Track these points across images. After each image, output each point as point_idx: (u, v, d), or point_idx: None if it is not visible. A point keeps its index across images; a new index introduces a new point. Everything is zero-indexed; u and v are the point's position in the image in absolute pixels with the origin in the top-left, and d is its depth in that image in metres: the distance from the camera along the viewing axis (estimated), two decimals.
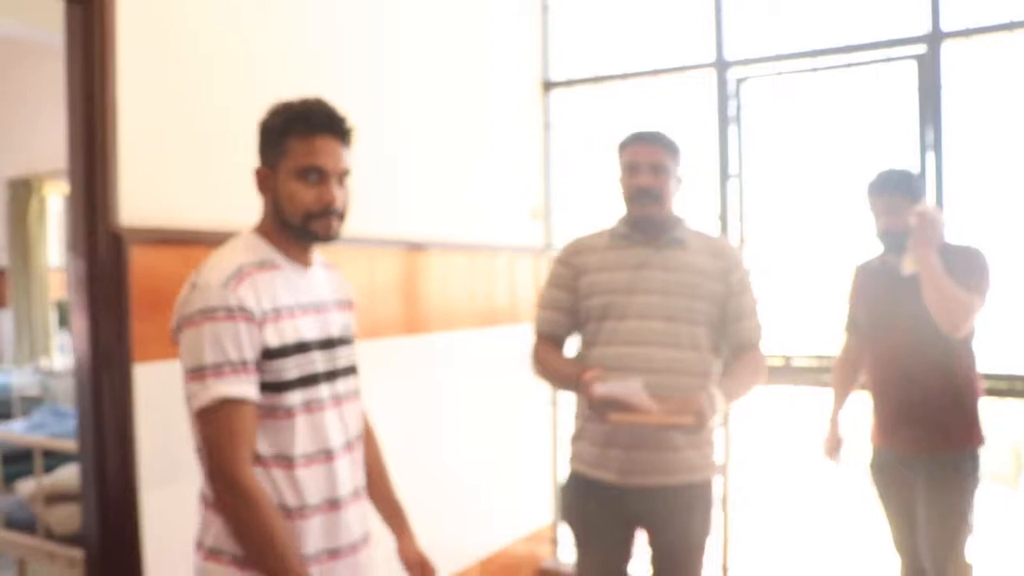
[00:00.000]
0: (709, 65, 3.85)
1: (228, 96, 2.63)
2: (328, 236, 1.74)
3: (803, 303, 3.79)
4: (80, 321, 2.37)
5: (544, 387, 4.14)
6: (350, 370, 1.85)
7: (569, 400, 2.55)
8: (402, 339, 3.30)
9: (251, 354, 1.62)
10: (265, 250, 1.73)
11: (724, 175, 3.80)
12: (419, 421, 3.38)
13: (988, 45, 3.33)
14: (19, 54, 7.23)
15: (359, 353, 1.92)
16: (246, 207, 2.35)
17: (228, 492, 1.61)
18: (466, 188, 3.72)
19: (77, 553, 2.93)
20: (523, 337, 4.00)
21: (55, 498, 3.08)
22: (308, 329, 1.73)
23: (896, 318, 2.83)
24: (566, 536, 3.53)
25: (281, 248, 1.75)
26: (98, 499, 2.36)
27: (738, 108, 3.81)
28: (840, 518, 4.52)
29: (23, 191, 7.09)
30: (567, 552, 4.20)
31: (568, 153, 4.28)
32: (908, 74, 3.46)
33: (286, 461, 1.68)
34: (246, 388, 1.61)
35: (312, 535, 1.71)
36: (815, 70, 3.65)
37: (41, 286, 7.16)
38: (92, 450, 2.37)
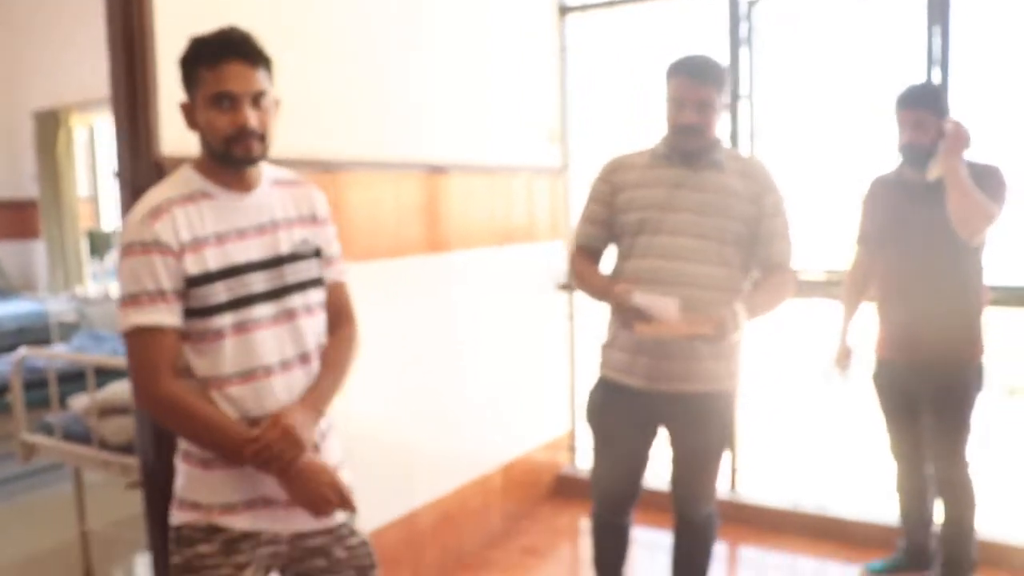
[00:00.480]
0: None
1: (264, 23, 2.73)
2: (249, 157, 1.79)
3: (811, 218, 3.89)
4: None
5: (562, 301, 4.34)
6: (307, 284, 1.91)
7: (599, 311, 2.68)
8: (425, 257, 3.43)
9: (169, 284, 1.72)
10: (197, 182, 1.81)
11: (735, 96, 3.89)
12: (442, 335, 3.54)
13: None
14: None
15: (342, 267, 2.02)
16: (289, 138, 2.48)
17: (154, 408, 1.77)
18: (485, 112, 3.81)
19: (130, 460, 3.16)
20: (541, 254, 4.19)
21: (108, 411, 3.30)
22: (243, 252, 1.81)
23: (909, 229, 2.94)
24: (586, 441, 3.72)
25: (214, 178, 1.82)
26: None
27: (749, 30, 3.89)
28: (844, 428, 4.68)
29: (51, 123, 7.18)
30: (585, 458, 4.44)
31: (584, 76, 4.36)
32: None
33: (218, 381, 1.80)
34: (161, 316, 1.72)
35: None
36: None
37: (72, 216, 7.31)
38: None
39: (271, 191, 1.90)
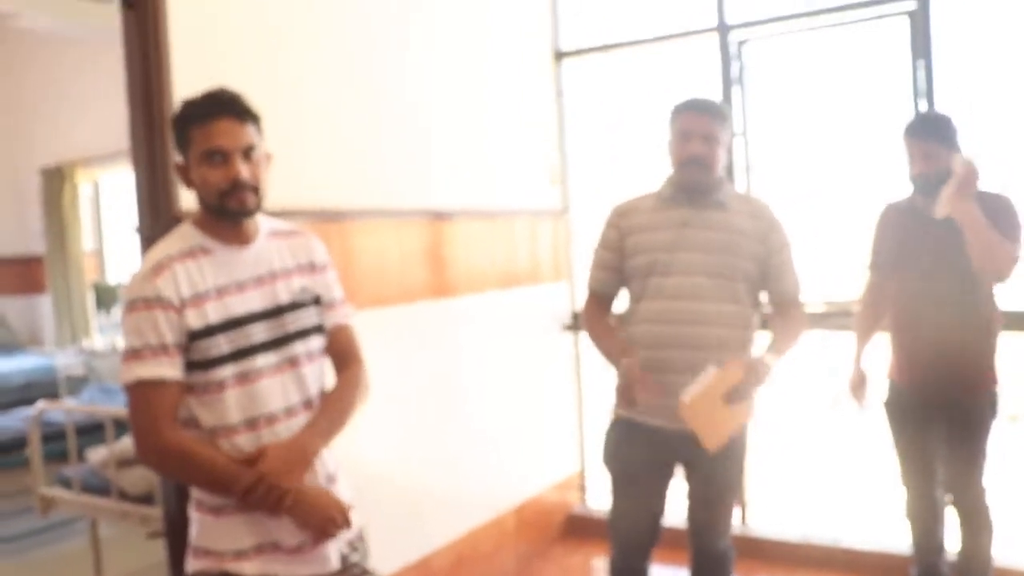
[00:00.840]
0: (712, 29, 4.02)
1: (273, 85, 2.84)
2: (244, 209, 1.85)
3: (807, 251, 3.97)
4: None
5: (567, 341, 4.40)
6: (309, 331, 1.95)
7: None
8: (431, 303, 3.48)
9: (171, 338, 1.77)
10: (196, 238, 1.87)
11: (731, 134, 3.98)
12: (450, 378, 3.59)
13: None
14: (49, 46, 7.40)
15: (347, 310, 2.08)
16: (298, 189, 2.55)
17: (155, 457, 1.81)
18: (485, 157, 3.89)
19: (150, 511, 3.21)
20: (545, 295, 4.25)
21: (126, 462, 3.34)
22: (243, 304, 1.86)
23: (921, 257, 2.93)
24: (601, 482, 3.76)
25: (212, 233, 1.88)
26: None
27: (740, 69, 3.99)
28: (852, 457, 4.70)
29: (56, 179, 7.29)
30: (595, 498, 4.47)
31: (582, 119, 4.46)
32: (901, 29, 3.64)
33: (225, 431, 1.85)
34: (163, 369, 1.77)
35: None
36: (812, 29, 3.82)
37: (78, 270, 7.38)
38: None
39: (269, 243, 1.96)
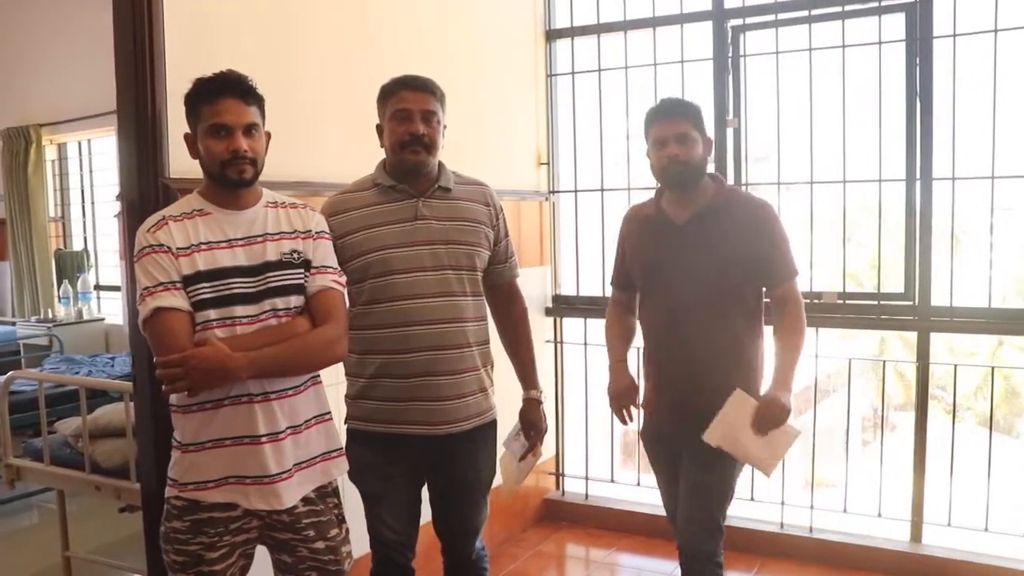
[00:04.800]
0: (707, 14, 4.00)
1: (261, 52, 2.79)
2: (242, 179, 2.06)
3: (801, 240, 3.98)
4: (131, 268, 2.53)
5: (548, 325, 4.36)
6: (290, 289, 2.09)
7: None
8: None
9: (176, 276, 1.99)
10: (197, 203, 2.10)
11: (721, 122, 3.97)
12: None
13: None
14: (19, 5, 7.19)
15: (334, 277, 2.16)
16: (287, 158, 2.51)
17: (182, 366, 1.90)
18: (473, 138, 3.83)
19: (123, 483, 3.12)
20: (529, 278, 4.19)
21: (99, 434, 3.25)
22: (231, 258, 2.05)
23: (672, 274, 2.63)
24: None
25: (212, 199, 2.10)
26: (154, 434, 2.55)
27: (735, 57, 3.97)
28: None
29: (20, 141, 7.07)
30: (569, 484, 4.47)
31: (571, 100, 4.41)
32: (897, 24, 3.64)
33: None
34: (176, 300, 1.98)
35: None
36: (809, 20, 3.80)
37: (41, 238, 7.16)
38: (148, 390, 2.54)
39: (266, 210, 2.15)
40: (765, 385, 2.63)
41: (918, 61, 3.58)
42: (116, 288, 6.98)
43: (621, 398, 2.79)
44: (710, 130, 2.71)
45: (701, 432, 2.52)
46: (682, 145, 2.53)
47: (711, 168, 2.73)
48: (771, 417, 2.50)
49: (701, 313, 2.58)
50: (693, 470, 2.62)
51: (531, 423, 2.67)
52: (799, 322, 2.60)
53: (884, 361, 4.61)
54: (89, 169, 7.34)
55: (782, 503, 4.00)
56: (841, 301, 3.84)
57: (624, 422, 2.83)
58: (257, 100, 2.09)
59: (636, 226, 2.78)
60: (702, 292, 2.57)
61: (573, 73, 4.37)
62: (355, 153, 2.97)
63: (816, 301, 3.85)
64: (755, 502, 4.10)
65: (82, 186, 7.41)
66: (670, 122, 2.56)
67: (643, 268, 2.71)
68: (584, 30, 4.32)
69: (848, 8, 3.73)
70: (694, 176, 2.59)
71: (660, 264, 2.65)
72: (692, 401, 2.59)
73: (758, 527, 4.02)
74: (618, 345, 2.84)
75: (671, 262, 2.62)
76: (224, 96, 2.03)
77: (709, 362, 2.59)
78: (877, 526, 3.87)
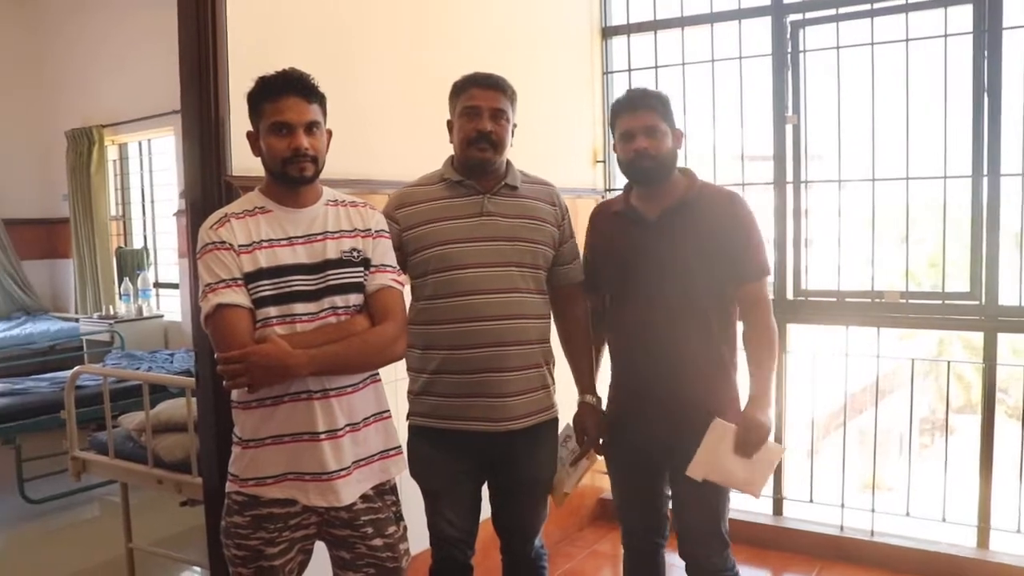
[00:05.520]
0: (766, 9, 3.94)
1: (328, 51, 2.82)
2: (303, 177, 2.06)
3: (858, 242, 3.91)
4: (193, 265, 2.56)
5: None
6: (349, 288, 2.09)
7: None
8: None
9: (237, 273, 2.00)
10: (258, 201, 2.10)
11: (780, 118, 3.91)
12: None
13: None
14: (80, 6, 7.35)
15: (393, 276, 2.16)
16: (345, 156, 2.52)
17: (243, 363, 1.91)
18: (530, 135, 3.79)
19: (185, 478, 3.18)
20: None
21: (161, 429, 3.31)
22: (291, 256, 2.06)
23: (647, 272, 2.51)
24: None
25: (273, 197, 2.11)
26: (216, 430, 2.56)
27: (794, 52, 3.91)
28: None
29: (83, 142, 7.22)
30: None
31: None
32: (963, 16, 3.54)
33: None
34: (238, 297, 1.99)
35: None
36: (872, 14, 3.72)
37: (103, 236, 7.33)
38: (210, 385, 2.57)
39: (326, 208, 2.15)
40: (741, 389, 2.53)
41: (986, 54, 3.49)
42: (175, 286, 7.12)
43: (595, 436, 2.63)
44: (759, 126, 2.59)
45: (684, 443, 2.44)
46: (650, 138, 2.43)
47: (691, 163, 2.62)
48: (752, 439, 2.40)
49: (679, 314, 2.46)
50: (686, 481, 2.46)
51: (584, 428, 2.61)
52: (770, 328, 2.48)
53: (948, 362, 4.50)
54: (149, 169, 7.50)
55: (842, 505, 3.92)
56: (904, 301, 3.76)
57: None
58: (319, 98, 2.09)
59: (604, 224, 2.62)
60: (680, 291, 2.46)
61: (629, 70, 4.34)
62: (413, 151, 3.01)
63: (878, 300, 3.78)
64: (813, 504, 4.04)
65: (142, 185, 7.57)
66: (637, 114, 2.45)
67: (615, 268, 2.56)
68: (640, 27, 4.29)
69: (913, 0, 3.64)
70: (663, 170, 2.47)
71: (633, 262, 2.52)
72: (673, 410, 2.48)
73: (817, 529, 3.95)
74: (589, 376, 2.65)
75: (645, 260, 2.50)
76: (286, 94, 2.03)
77: (687, 366, 2.47)
78: (941, 531, 3.78)
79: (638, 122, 2.44)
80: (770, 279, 2.56)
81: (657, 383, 2.51)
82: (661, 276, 2.47)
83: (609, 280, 2.59)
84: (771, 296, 3.90)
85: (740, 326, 2.56)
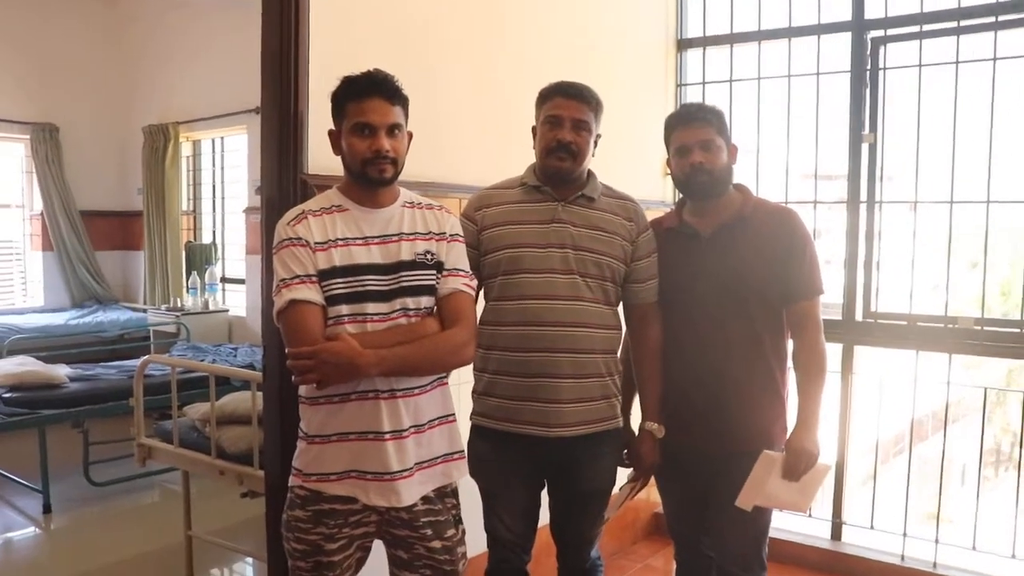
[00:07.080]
0: (846, 25, 3.87)
1: (405, 55, 2.84)
2: (382, 178, 2.07)
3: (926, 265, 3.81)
4: (268, 260, 2.60)
5: None
6: (421, 290, 2.10)
7: None
8: None
9: (312, 270, 2.01)
10: (335, 199, 2.12)
11: (856, 137, 3.83)
12: None
13: None
14: (161, 6, 7.53)
15: (465, 280, 2.16)
16: (420, 159, 2.54)
17: (313, 359, 1.92)
18: (602, 145, 3.79)
19: (247, 470, 3.22)
20: None
21: (226, 420, 3.36)
22: (366, 255, 2.06)
23: (703, 290, 2.49)
24: None
25: (351, 196, 2.12)
26: (280, 424, 2.59)
27: (873, 69, 3.83)
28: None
29: (159, 138, 7.39)
30: None
31: None
32: None
33: None
34: (311, 294, 2.00)
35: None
36: (958, 31, 3.62)
37: (174, 230, 7.49)
38: (277, 380, 2.60)
39: (402, 210, 2.15)
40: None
41: None
42: (241, 281, 7.25)
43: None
44: (837, 145, 2.55)
45: (731, 464, 2.44)
46: (706, 152, 2.42)
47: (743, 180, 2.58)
48: (800, 467, 2.38)
49: (731, 331, 2.44)
50: (731, 504, 2.43)
51: (639, 455, 2.57)
52: (819, 349, 2.44)
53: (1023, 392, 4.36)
54: (220, 166, 7.64)
55: (904, 534, 3.83)
56: (979, 328, 3.66)
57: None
58: (402, 101, 2.09)
59: (657, 240, 2.56)
60: (734, 308, 2.43)
61: (704, 83, 4.31)
62: (485, 157, 3.03)
63: (951, 326, 3.69)
64: (874, 530, 3.95)
65: (213, 182, 7.72)
66: (692, 128, 2.44)
67: (668, 283, 2.53)
68: (716, 40, 4.26)
69: (1003, 19, 3.54)
70: (719, 185, 2.46)
71: (687, 278, 2.50)
72: (721, 428, 2.46)
73: (877, 557, 3.86)
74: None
75: (699, 276, 2.48)
76: (370, 95, 2.04)
77: (739, 384, 2.45)
78: (1007, 567, 3.67)
79: (693, 136, 2.43)
80: (824, 299, 2.49)
81: (706, 400, 2.48)
82: (715, 292, 2.45)
83: (662, 296, 2.56)
84: (838, 317, 3.90)
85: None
